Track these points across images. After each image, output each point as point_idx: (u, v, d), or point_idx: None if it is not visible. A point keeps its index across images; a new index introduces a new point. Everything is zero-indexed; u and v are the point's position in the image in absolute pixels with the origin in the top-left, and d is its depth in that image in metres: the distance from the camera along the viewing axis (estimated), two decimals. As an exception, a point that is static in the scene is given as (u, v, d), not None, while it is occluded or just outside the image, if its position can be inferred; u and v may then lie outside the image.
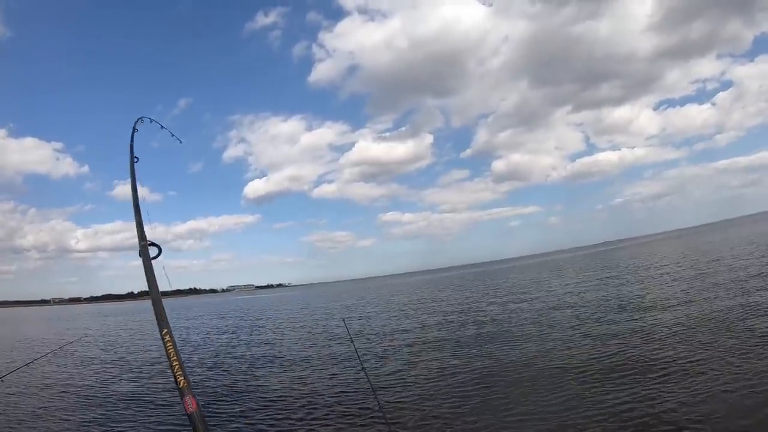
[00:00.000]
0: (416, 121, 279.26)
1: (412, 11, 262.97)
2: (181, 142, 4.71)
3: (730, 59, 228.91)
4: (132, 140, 3.34)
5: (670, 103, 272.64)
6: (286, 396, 8.42)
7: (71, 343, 18.02)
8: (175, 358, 2.06)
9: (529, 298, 20.35)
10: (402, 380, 8.68)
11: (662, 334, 9.70)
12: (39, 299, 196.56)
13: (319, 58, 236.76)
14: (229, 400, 8.45)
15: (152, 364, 13.07)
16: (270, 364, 11.58)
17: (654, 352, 8.34)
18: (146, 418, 7.76)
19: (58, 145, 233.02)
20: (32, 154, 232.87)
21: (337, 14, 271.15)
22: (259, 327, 21.91)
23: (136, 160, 3.16)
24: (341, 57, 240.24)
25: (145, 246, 2.48)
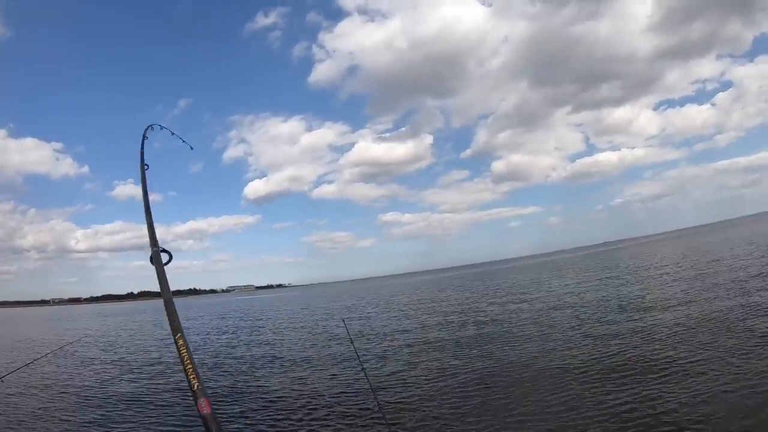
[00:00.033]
0: (416, 122, 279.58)
1: (412, 12, 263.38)
2: (192, 148, 4.73)
3: (730, 60, 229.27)
4: (142, 148, 3.36)
5: (670, 104, 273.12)
6: (286, 396, 8.41)
7: (71, 343, 18.01)
8: (188, 361, 2.09)
9: (529, 299, 20.35)
10: (402, 381, 8.67)
11: (662, 334, 9.70)
12: (39, 299, 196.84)
13: (319, 58, 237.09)
14: (229, 400, 8.45)
15: (152, 365, 13.07)
16: (270, 365, 11.58)
17: (654, 353, 8.34)
18: (146, 419, 7.76)
19: (58, 145, 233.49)
20: (32, 154, 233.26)
21: (337, 15, 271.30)
22: (260, 327, 21.91)
23: (146, 167, 3.16)
24: (341, 57, 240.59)
25: (157, 252, 2.48)
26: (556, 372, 8.02)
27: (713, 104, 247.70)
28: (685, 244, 54.61)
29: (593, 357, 8.66)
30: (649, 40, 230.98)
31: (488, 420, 6.19)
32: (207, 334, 20.87)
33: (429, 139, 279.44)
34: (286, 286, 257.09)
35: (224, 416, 7.51)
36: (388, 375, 9.17)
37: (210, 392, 9.13)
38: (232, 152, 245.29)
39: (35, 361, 8.65)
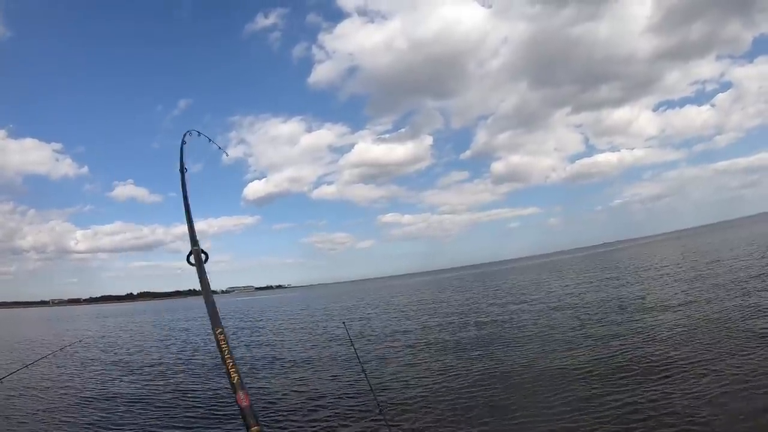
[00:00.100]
0: (416, 123, 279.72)
1: (412, 13, 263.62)
2: (227, 155, 4.77)
3: (730, 60, 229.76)
4: (182, 152, 3.41)
5: (670, 105, 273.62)
6: (286, 397, 8.41)
7: (71, 344, 17.97)
8: (228, 354, 2.11)
9: (530, 299, 20.34)
10: (402, 382, 8.67)
11: (663, 335, 9.70)
12: (38, 300, 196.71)
13: (319, 59, 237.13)
14: (230, 400, 8.43)
15: (152, 366, 13.06)
16: (270, 365, 11.57)
17: (655, 354, 8.34)
18: (147, 420, 7.75)
19: (58, 146, 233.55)
20: (32, 154, 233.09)
21: (337, 16, 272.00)
22: (260, 328, 21.89)
23: (186, 170, 3.24)
24: (341, 58, 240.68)
25: (197, 252, 2.56)
26: (556, 373, 8.01)
27: (713, 105, 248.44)
28: (685, 244, 54.62)
29: (594, 358, 8.65)
30: (649, 41, 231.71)
31: (489, 421, 6.19)
32: (207, 335, 20.83)
33: (429, 140, 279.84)
34: (286, 287, 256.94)
35: (225, 417, 7.51)
36: (388, 376, 9.17)
37: (210, 393, 9.13)
38: (231, 153, 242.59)
39: (35, 363, 8.64)
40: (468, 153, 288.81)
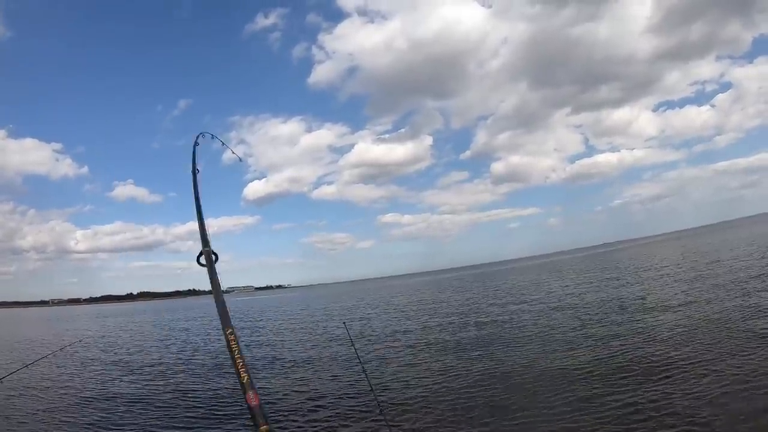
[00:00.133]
0: (416, 123, 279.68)
1: (412, 13, 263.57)
2: (240, 160, 4.80)
3: (729, 61, 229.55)
4: (194, 154, 3.45)
5: (670, 105, 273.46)
6: (287, 397, 8.41)
7: (71, 344, 17.97)
8: (238, 354, 2.14)
9: (530, 300, 20.35)
10: (403, 382, 8.67)
11: (664, 335, 9.70)
12: (38, 300, 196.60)
13: (319, 59, 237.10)
14: (230, 401, 8.43)
15: (152, 366, 13.06)
16: (271, 365, 11.57)
17: (656, 354, 8.34)
18: (147, 420, 7.75)
19: (58, 146, 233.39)
20: (32, 155, 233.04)
21: (337, 16, 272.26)
22: (260, 328, 21.88)
23: (198, 171, 3.28)
24: (341, 58, 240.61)
25: (208, 252, 2.61)
26: (557, 373, 8.01)
27: (713, 105, 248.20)
28: (685, 245, 54.63)
29: (594, 358, 8.65)
30: (649, 41, 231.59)
31: (490, 421, 6.19)
32: (207, 335, 20.85)
33: (428, 140, 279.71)
34: (286, 287, 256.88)
35: (224, 417, 7.51)
36: (389, 376, 9.17)
37: (210, 393, 9.13)
38: (232, 153, 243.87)
39: (35, 362, 8.64)
40: (468, 153, 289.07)
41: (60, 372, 12.76)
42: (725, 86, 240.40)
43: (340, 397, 8.07)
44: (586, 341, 10.23)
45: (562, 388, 7.11)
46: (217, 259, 2.64)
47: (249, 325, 24.24)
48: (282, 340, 16.55)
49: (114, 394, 9.77)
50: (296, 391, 8.78)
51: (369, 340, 14.20)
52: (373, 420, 6.60)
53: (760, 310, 10.49)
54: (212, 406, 8.21)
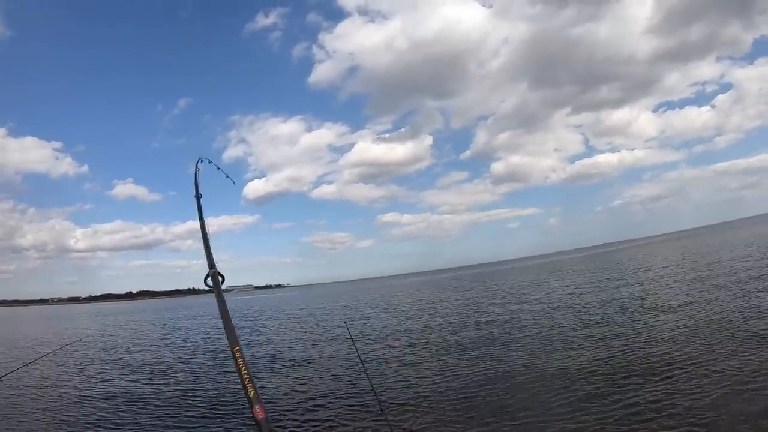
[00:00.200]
0: (416, 123, 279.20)
1: (413, 12, 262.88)
2: (234, 183, 4.92)
3: (730, 62, 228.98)
4: (196, 179, 3.58)
5: (670, 106, 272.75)
6: (287, 396, 8.40)
7: (71, 343, 18.00)
8: (245, 371, 2.27)
9: (530, 300, 20.35)
10: (403, 381, 8.66)
11: (664, 336, 9.69)
12: (38, 298, 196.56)
13: (319, 59, 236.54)
14: (231, 400, 8.43)
15: (152, 365, 13.06)
16: (271, 365, 11.56)
17: (656, 355, 8.33)
18: (147, 419, 7.74)
19: (58, 144, 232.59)
20: (32, 153, 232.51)
21: (338, 15, 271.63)
22: (260, 327, 21.88)
23: (200, 196, 3.43)
24: (341, 58, 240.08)
25: (215, 274, 2.74)
26: (558, 373, 8.01)
27: (713, 106, 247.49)
28: (685, 245, 54.65)
29: (595, 358, 8.65)
30: (649, 42, 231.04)
31: (490, 421, 6.18)
32: (207, 335, 20.85)
33: (428, 140, 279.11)
34: (285, 287, 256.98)
35: (225, 417, 7.50)
36: (389, 375, 9.16)
37: (210, 392, 9.12)
38: (231, 152, 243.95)
39: (35, 361, 8.63)
40: (468, 153, 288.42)
41: (60, 371, 12.75)
42: (725, 87, 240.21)
43: (340, 397, 8.06)
44: (587, 341, 10.22)
45: (563, 388, 7.11)
46: (223, 280, 2.75)
47: (249, 324, 24.25)
48: (282, 339, 16.54)
49: (114, 393, 9.76)
50: (297, 391, 8.77)
51: (369, 339, 14.19)
52: (373, 420, 6.59)
53: (760, 311, 10.49)
54: (212, 405, 8.20)
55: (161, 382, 10.54)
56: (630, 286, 20.57)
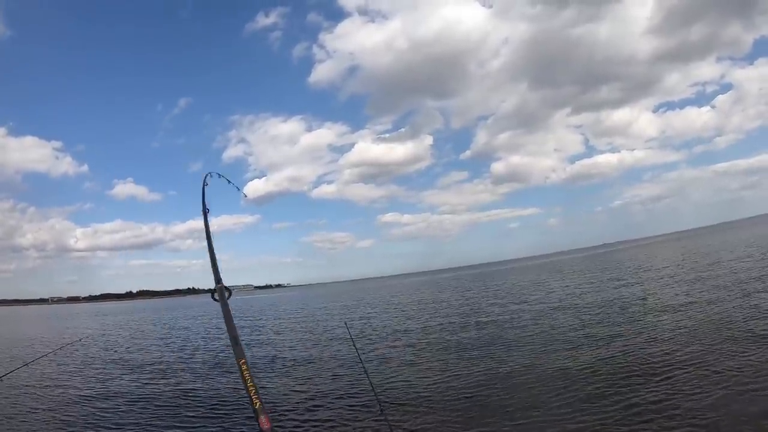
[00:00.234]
0: (416, 123, 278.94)
1: (413, 12, 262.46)
2: (245, 195, 4.88)
3: (730, 62, 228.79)
4: (203, 194, 3.61)
5: (670, 106, 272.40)
6: (287, 396, 8.40)
7: (72, 342, 17.99)
8: (251, 383, 2.38)
9: (530, 300, 20.34)
10: (404, 381, 8.66)
11: (665, 336, 9.69)
12: (38, 298, 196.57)
13: (320, 58, 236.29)
14: (231, 399, 8.42)
15: (152, 364, 13.05)
16: (271, 364, 11.55)
17: (657, 355, 8.33)
18: (148, 418, 7.73)
19: (58, 144, 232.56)
20: (32, 152, 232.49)
21: (338, 15, 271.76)
22: (260, 327, 21.88)
23: (208, 210, 3.46)
24: (341, 58, 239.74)
25: (221, 289, 2.83)
26: (558, 374, 8.00)
27: (713, 107, 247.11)
28: (685, 245, 54.64)
29: (596, 359, 8.64)
30: (649, 42, 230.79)
31: (491, 422, 6.17)
32: (207, 334, 20.85)
33: (429, 140, 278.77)
34: (285, 286, 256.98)
35: (225, 416, 7.49)
36: (390, 375, 9.16)
37: (211, 392, 9.12)
38: (231, 152, 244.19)
39: (36, 361, 8.63)
40: (468, 153, 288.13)
41: (60, 370, 12.74)
42: (726, 87, 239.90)
43: (340, 397, 8.06)
44: (587, 341, 10.22)
45: (564, 388, 7.10)
46: (230, 295, 2.85)
47: (249, 324, 24.23)
48: (282, 339, 16.54)
49: (114, 392, 9.76)
50: (297, 390, 8.77)
51: (369, 339, 14.19)
52: (374, 420, 6.59)
53: (761, 311, 10.48)
54: (212, 405, 8.19)
55: (161, 381, 10.54)
56: (630, 286, 20.57)
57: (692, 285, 17.04)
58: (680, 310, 12.29)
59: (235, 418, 7.39)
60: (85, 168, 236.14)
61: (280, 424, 6.96)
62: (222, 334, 20.21)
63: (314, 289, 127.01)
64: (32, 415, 8.33)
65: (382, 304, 29.80)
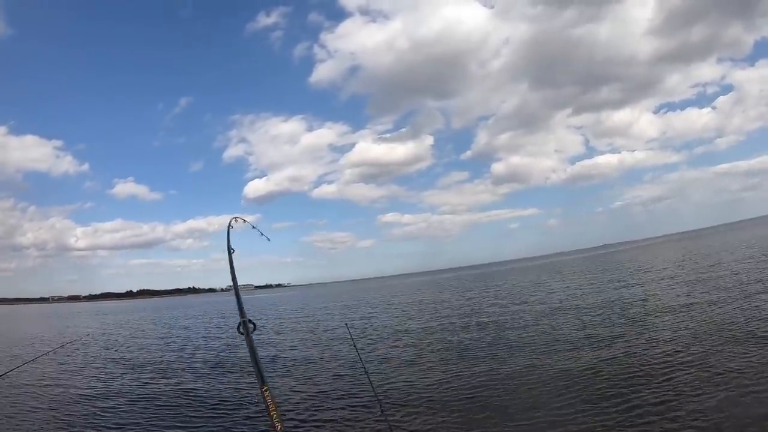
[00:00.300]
0: (417, 123, 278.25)
1: (414, 13, 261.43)
2: (269, 240, 4.98)
3: (731, 63, 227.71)
4: (228, 237, 3.86)
5: (671, 107, 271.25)
6: (288, 397, 8.39)
7: (72, 341, 17.99)
8: (274, 410, 2.54)
9: (531, 300, 20.33)
10: (405, 382, 8.65)
11: (666, 337, 9.67)
12: (38, 297, 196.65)
13: (321, 58, 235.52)
14: (231, 399, 8.42)
15: (153, 364, 13.05)
16: (272, 364, 11.55)
17: (658, 356, 8.31)
18: (148, 418, 7.73)
19: (59, 143, 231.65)
20: (32, 151, 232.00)
21: (339, 15, 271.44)
22: (259, 327, 21.82)
23: (233, 250, 3.73)
24: (342, 58, 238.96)
25: (245, 322, 2.99)
26: (559, 374, 7.99)
27: (714, 108, 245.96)
28: (686, 246, 54.61)
29: (597, 360, 8.63)
30: (650, 43, 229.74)
31: (491, 422, 6.17)
32: (207, 334, 20.85)
33: (429, 140, 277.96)
34: (285, 286, 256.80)
35: (228, 415, 7.49)
36: (390, 376, 9.15)
37: (212, 392, 9.12)
38: (232, 151, 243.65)
39: (36, 359, 8.64)
40: (468, 153, 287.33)
41: (60, 369, 12.75)
42: (726, 88, 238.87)
43: (341, 397, 8.06)
44: (588, 342, 10.21)
45: (564, 389, 7.10)
46: (255, 328, 3.04)
47: (249, 323, 24.21)
48: (283, 339, 16.53)
49: (115, 391, 9.76)
50: (297, 391, 8.76)
51: (370, 339, 14.18)
52: (375, 420, 6.58)
53: (762, 313, 10.46)
54: (213, 404, 8.20)
55: (162, 381, 10.54)
56: (631, 287, 20.55)
57: (693, 286, 17.02)
58: (681, 312, 12.28)
59: (236, 417, 7.39)
60: (85, 167, 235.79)
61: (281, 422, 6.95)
62: (223, 333, 20.23)
63: (315, 289, 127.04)
64: (33, 414, 8.33)
65: (383, 304, 29.79)
